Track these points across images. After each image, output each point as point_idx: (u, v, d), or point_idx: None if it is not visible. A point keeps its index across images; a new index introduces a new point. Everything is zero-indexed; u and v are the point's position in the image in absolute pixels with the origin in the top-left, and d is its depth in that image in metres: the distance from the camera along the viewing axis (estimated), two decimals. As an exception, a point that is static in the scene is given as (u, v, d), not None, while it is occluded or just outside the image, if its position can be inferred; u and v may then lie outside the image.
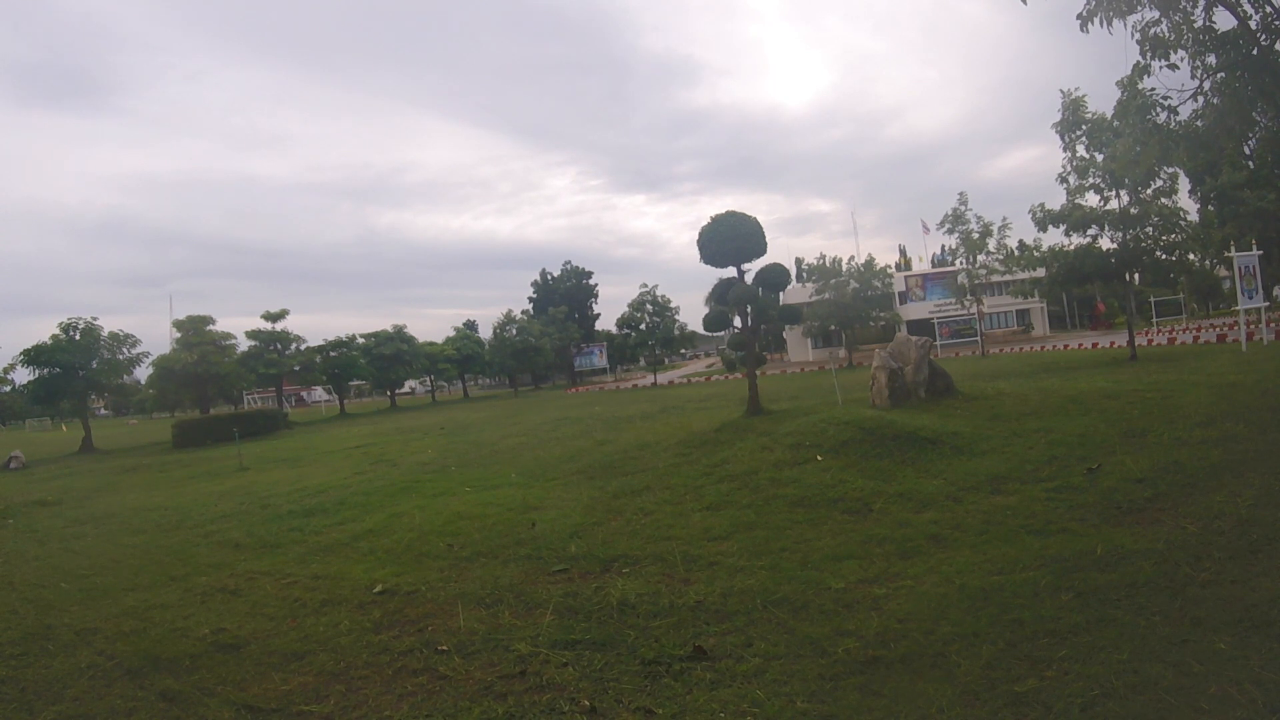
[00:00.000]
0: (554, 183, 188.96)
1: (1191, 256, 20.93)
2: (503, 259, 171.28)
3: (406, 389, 58.54)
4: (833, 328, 40.56)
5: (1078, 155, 19.24)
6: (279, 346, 38.81)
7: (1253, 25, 8.43)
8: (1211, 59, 8.60)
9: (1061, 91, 18.74)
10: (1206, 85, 8.84)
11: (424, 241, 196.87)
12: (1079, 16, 8.14)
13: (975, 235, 32.56)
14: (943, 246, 44.78)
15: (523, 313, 53.59)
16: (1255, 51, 8.35)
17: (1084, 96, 18.54)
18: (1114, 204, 19.38)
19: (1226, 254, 23.90)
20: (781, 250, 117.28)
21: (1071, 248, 20.45)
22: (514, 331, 49.62)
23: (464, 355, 49.94)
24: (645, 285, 46.09)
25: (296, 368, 40.42)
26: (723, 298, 13.32)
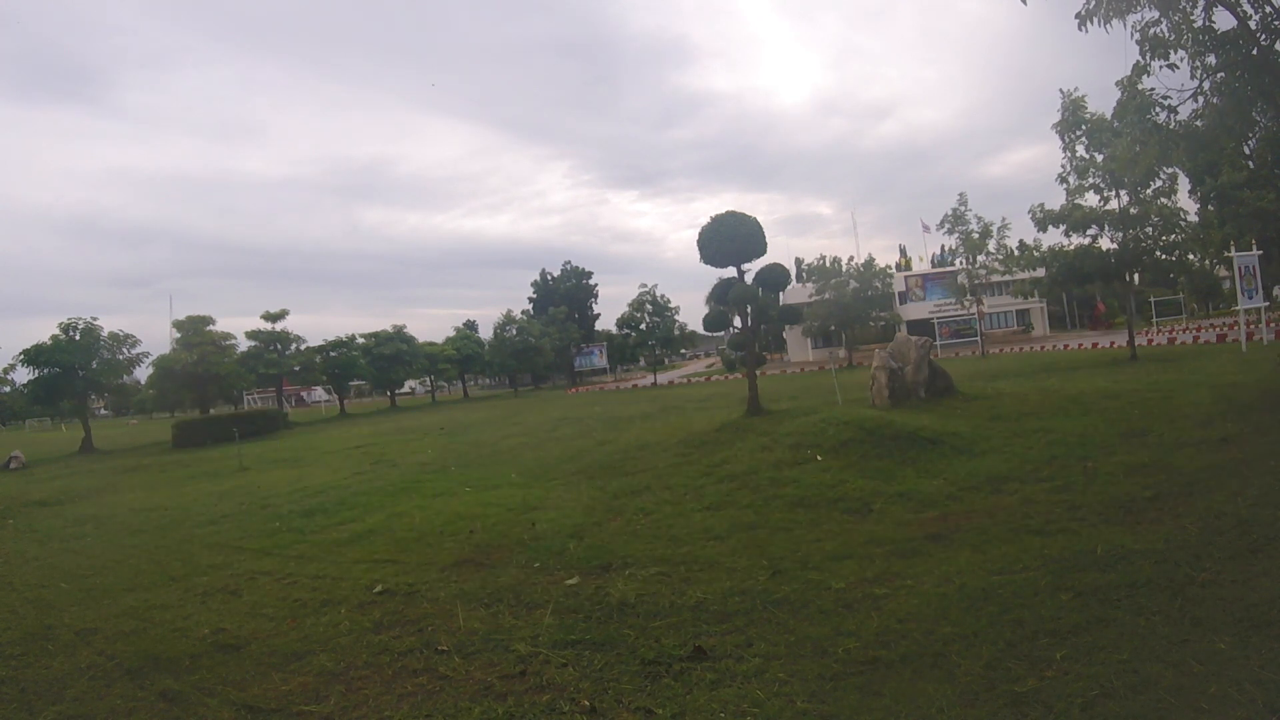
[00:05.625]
0: (545, 178, 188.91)
1: (1191, 256, 20.93)
2: (497, 258, 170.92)
3: (406, 389, 58.54)
4: (833, 328, 40.55)
5: (1078, 155, 19.25)
6: (279, 346, 38.83)
7: (1252, 25, 8.43)
8: (1211, 59, 8.60)
9: (1061, 91, 18.76)
10: (1206, 85, 8.84)
11: (415, 239, 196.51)
12: (1078, 16, 8.13)
13: (975, 235, 32.57)
14: (943, 246, 44.83)
15: (523, 313, 53.63)
16: (1255, 51, 8.34)
17: (1084, 97, 18.56)
18: (1114, 204, 19.38)
19: (1226, 254, 23.90)
20: (781, 250, 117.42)
21: (1071, 248, 20.46)
22: (514, 332, 49.64)
23: (464, 355, 49.97)
24: (645, 285, 46.17)
25: (296, 368, 40.42)
26: (723, 298, 13.33)
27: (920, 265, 52.58)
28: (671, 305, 43.89)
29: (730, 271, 13.07)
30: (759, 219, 12.66)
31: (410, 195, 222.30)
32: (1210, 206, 36.78)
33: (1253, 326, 21.71)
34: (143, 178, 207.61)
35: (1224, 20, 8.48)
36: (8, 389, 52.89)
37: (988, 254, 32.68)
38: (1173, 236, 19.25)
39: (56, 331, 28.44)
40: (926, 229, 65.15)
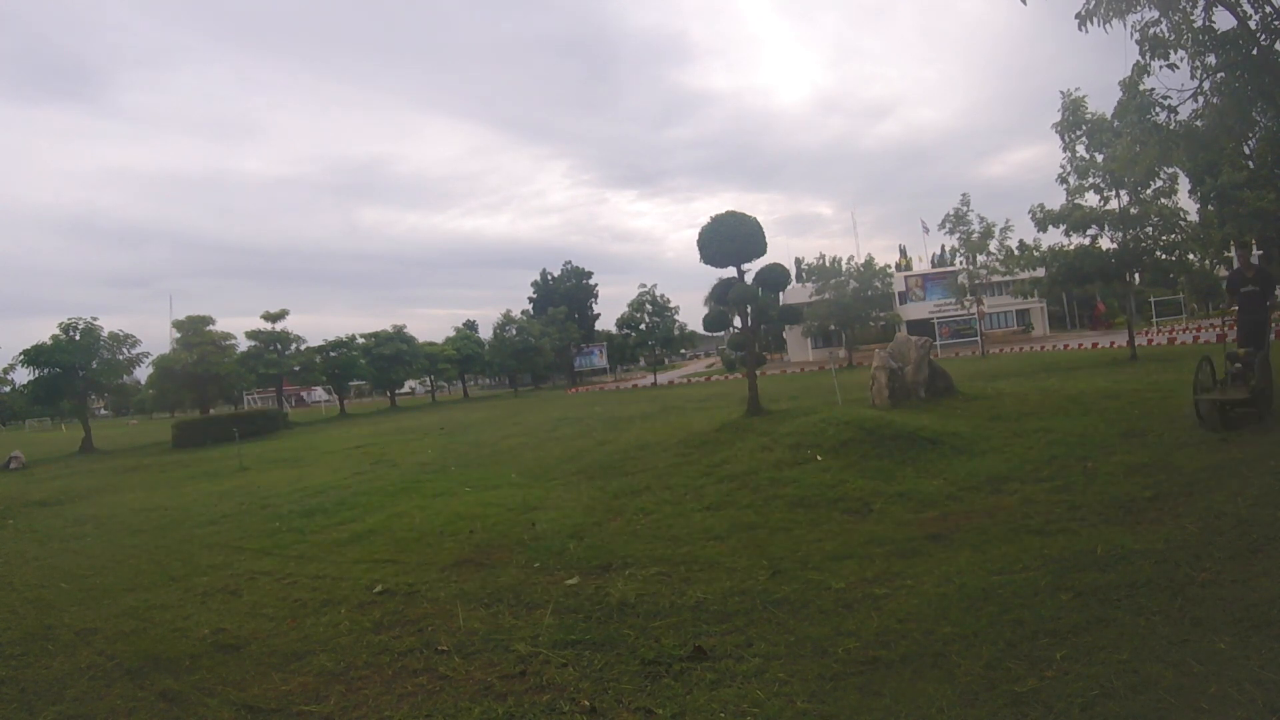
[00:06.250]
0: (544, 178, 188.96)
1: (1191, 256, 20.94)
2: (497, 258, 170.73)
3: (406, 389, 58.54)
4: (833, 328, 40.57)
5: (1078, 155, 19.26)
6: (279, 346, 38.83)
7: (1253, 25, 8.42)
8: (1211, 59, 8.59)
9: (1061, 92, 18.76)
10: (1206, 85, 8.83)
11: (414, 239, 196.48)
12: (1077, 16, 8.12)
13: (976, 236, 32.56)
14: (943, 246, 44.91)
15: (523, 313, 53.68)
16: (1255, 51, 8.34)
17: (1084, 97, 18.58)
18: (1114, 204, 19.39)
19: (1226, 254, 23.91)
20: (781, 250, 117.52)
21: (1071, 248, 20.46)
22: (514, 332, 49.68)
23: (464, 355, 49.96)
24: (644, 285, 46.18)
25: (296, 368, 40.43)
26: (723, 298, 13.33)
27: (920, 265, 52.62)
28: (671, 305, 43.95)
29: (730, 271, 13.07)
30: (759, 219, 12.67)
31: (409, 195, 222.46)
32: (1210, 206, 36.76)
33: (1253, 326, 21.66)
34: (141, 177, 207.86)
35: (1224, 20, 8.47)
36: (8, 389, 52.84)
37: (988, 254, 32.67)
38: (1173, 236, 19.25)
39: (56, 331, 28.45)
40: (926, 230, 65.39)
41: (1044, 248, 22.24)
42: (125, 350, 30.31)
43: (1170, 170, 17.50)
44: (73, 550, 8.26)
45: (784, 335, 51.53)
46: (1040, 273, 23.00)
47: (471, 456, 13.23)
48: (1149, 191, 18.70)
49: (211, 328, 35.33)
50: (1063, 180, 19.86)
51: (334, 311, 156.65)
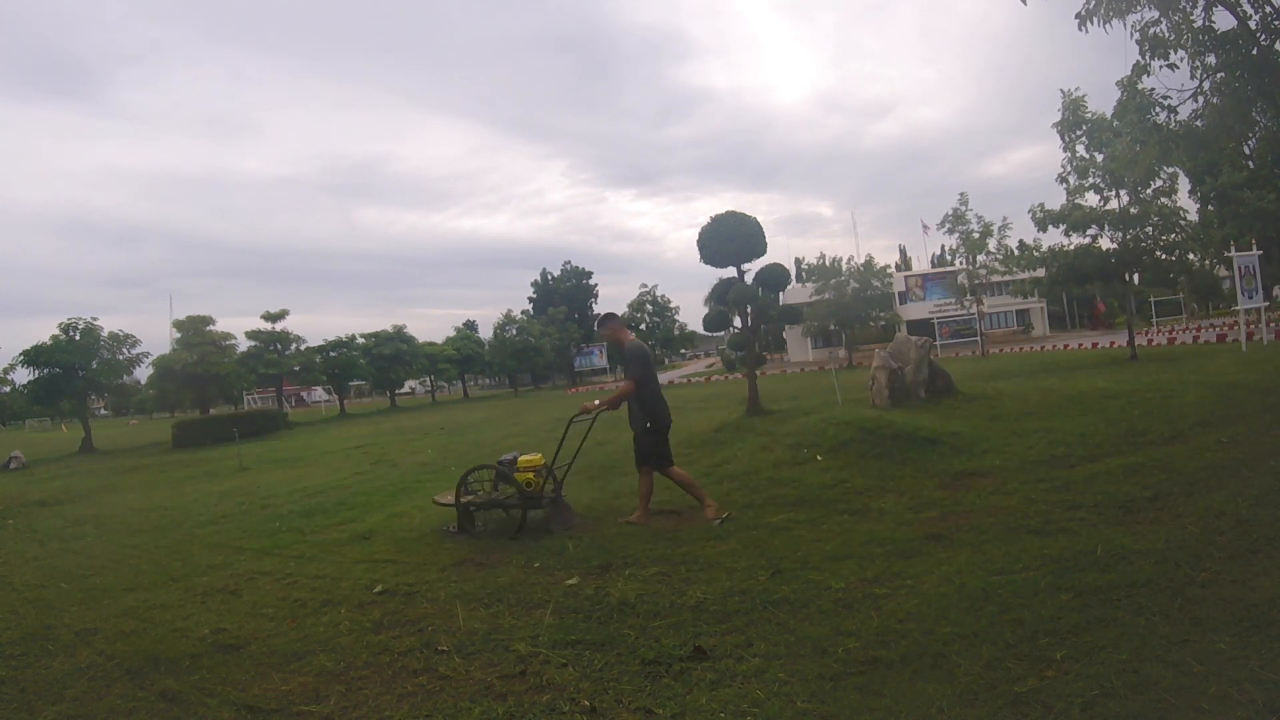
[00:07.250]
0: (543, 177, 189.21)
1: (1191, 256, 20.96)
2: (496, 258, 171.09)
3: (406, 389, 58.62)
4: (833, 328, 40.60)
5: (1078, 155, 19.28)
6: (279, 346, 38.88)
7: (1252, 25, 8.43)
8: (1211, 59, 8.60)
9: (1061, 92, 18.78)
10: (1206, 85, 8.85)
11: (413, 239, 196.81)
12: (1077, 16, 8.13)
13: (975, 235, 32.58)
14: (942, 246, 45.03)
15: (522, 313, 53.75)
16: (1255, 51, 8.35)
17: (1084, 96, 18.60)
18: (1114, 204, 19.40)
19: (1226, 254, 23.93)
20: (781, 250, 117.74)
21: (1071, 248, 20.47)
22: (514, 332, 49.76)
23: (464, 355, 50.05)
24: (645, 285, 46.33)
25: (296, 368, 40.49)
26: (722, 298, 13.34)
27: (920, 265, 52.70)
28: (672, 305, 44.10)
29: (730, 271, 13.07)
30: (759, 219, 12.67)
31: (407, 194, 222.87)
32: (1210, 206, 36.84)
33: (1253, 326, 21.71)
34: (139, 177, 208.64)
35: (1224, 20, 8.49)
36: (8, 389, 52.94)
37: (988, 254, 32.70)
38: (1173, 236, 19.27)
39: (56, 331, 28.49)
40: (926, 229, 65.49)
41: (1044, 248, 22.26)
42: (125, 350, 30.37)
43: (1170, 170, 17.54)
44: (73, 550, 8.26)
45: (784, 335, 51.58)
46: (1040, 273, 23.02)
47: (472, 456, 13.22)
48: (1149, 191, 18.72)
49: (211, 328, 35.39)
50: (1063, 180, 19.89)
51: (334, 311, 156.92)
